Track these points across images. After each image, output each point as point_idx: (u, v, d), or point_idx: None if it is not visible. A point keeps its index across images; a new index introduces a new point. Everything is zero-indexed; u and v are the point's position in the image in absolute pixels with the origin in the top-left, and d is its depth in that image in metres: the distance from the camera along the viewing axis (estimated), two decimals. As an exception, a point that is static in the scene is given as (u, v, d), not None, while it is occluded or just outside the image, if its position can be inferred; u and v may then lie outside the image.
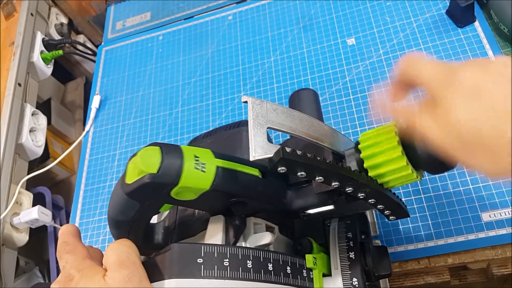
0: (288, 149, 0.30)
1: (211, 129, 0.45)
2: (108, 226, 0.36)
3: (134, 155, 0.31)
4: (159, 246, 0.39)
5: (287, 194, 0.36)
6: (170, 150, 0.31)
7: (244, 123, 0.42)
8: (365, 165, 0.34)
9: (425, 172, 0.36)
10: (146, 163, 0.30)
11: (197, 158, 0.31)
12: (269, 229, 0.37)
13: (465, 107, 0.28)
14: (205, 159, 0.31)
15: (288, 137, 0.42)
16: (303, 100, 0.45)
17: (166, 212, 0.41)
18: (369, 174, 0.34)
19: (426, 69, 0.31)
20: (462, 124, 0.28)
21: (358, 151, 0.35)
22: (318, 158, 0.31)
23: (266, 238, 0.35)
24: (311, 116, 0.37)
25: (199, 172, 0.31)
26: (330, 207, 0.35)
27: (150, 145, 0.31)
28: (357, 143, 0.36)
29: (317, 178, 0.31)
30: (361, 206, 0.38)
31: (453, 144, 0.29)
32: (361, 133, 0.36)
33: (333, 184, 0.32)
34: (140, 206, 0.32)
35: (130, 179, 0.30)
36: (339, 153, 0.37)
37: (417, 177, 0.34)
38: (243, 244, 0.36)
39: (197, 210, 0.38)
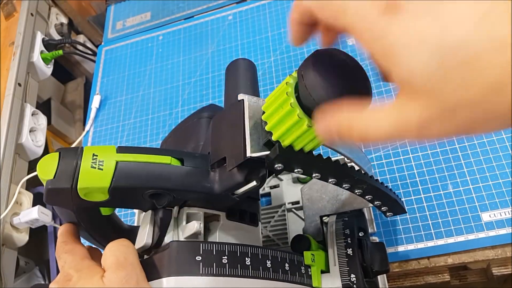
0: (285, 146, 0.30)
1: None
2: None
3: None
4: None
5: (209, 177, 0.34)
6: (67, 154, 0.31)
7: (204, 109, 0.41)
8: (273, 138, 0.30)
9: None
10: (43, 170, 0.30)
11: (95, 157, 0.31)
12: (210, 217, 0.36)
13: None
14: (104, 156, 0.31)
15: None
16: (239, 69, 0.42)
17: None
18: (282, 145, 0.29)
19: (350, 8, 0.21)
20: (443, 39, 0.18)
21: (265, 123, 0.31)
22: (315, 155, 0.31)
23: (190, 227, 0.34)
24: (246, 85, 0.36)
25: (96, 170, 0.31)
26: (253, 183, 0.32)
27: (54, 152, 0.32)
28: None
29: (314, 175, 0.31)
30: (358, 203, 0.38)
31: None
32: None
33: (330, 180, 0.32)
34: (73, 212, 0.33)
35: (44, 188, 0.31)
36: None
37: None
38: (175, 237, 0.34)
39: None
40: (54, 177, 0.30)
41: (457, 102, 0.19)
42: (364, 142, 0.24)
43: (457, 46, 0.18)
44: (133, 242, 0.38)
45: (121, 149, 0.32)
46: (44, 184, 0.31)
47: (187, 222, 0.35)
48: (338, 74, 0.26)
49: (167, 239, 0.35)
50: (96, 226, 0.35)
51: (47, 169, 0.30)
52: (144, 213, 0.37)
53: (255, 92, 0.38)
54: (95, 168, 0.30)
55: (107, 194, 0.31)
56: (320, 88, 0.26)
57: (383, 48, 0.20)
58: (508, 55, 0.17)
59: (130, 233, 0.39)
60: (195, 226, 0.33)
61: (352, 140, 0.24)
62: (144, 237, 0.34)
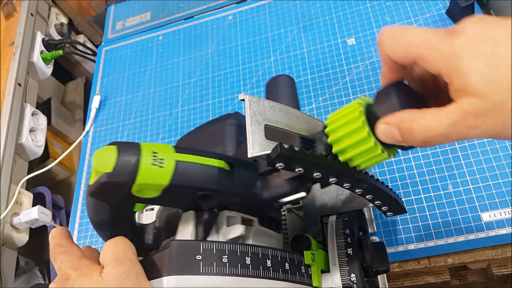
0: (286, 145, 0.30)
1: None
2: None
3: None
4: (150, 246, 0.39)
5: (257, 184, 0.35)
6: (126, 148, 0.31)
7: (228, 116, 0.42)
8: (333, 151, 0.32)
9: (400, 150, 0.33)
10: (101, 163, 0.30)
11: (155, 154, 0.31)
12: (246, 221, 0.37)
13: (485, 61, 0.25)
14: (164, 154, 0.31)
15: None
16: (280, 85, 0.44)
17: (160, 212, 0.41)
18: (333, 150, 0.32)
19: (415, 36, 0.27)
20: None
21: (326, 135, 0.32)
22: (316, 154, 0.31)
23: (235, 230, 0.35)
24: (287, 101, 0.37)
25: (157, 167, 0.30)
26: (302, 194, 0.34)
27: (109, 144, 0.31)
28: (325, 126, 0.33)
29: (315, 174, 0.31)
30: (358, 202, 0.38)
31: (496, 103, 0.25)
32: (329, 115, 0.33)
33: (330, 180, 0.32)
34: (110, 207, 0.32)
35: (91, 181, 0.31)
36: (310, 138, 0.35)
37: (389, 156, 0.31)
38: (215, 238, 0.35)
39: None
40: (112, 170, 0.30)
41: (504, 99, 0.24)
42: (425, 139, 0.27)
43: (504, 56, 0.24)
44: (143, 239, 0.38)
45: (178, 149, 0.32)
46: (96, 177, 0.30)
47: (227, 225, 0.35)
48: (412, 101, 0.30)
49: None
50: (122, 223, 0.35)
51: (105, 162, 0.30)
52: (184, 213, 0.37)
53: (297, 108, 0.39)
54: (156, 165, 0.30)
55: (160, 192, 0.31)
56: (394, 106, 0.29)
57: (448, 64, 0.26)
58: None
59: (142, 231, 0.39)
60: (240, 229, 0.34)
61: (413, 139, 0.27)
62: (189, 236, 0.35)
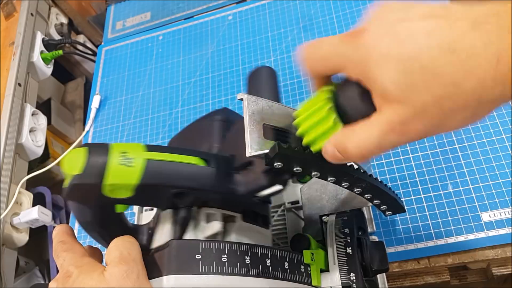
0: (284, 145, 0.30)
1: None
2: None
3: None
4: (144, 247, 0.39)
5: (233, 179, 0.34)
6: (95, 149, 0.31)
7: (217, 112, 0.41)
8: (294, 122, 0.31)
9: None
10: (70, 165, 0.30)
11: (124, 154, 0.31)
12: (228, 218, 0.37)
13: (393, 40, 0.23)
14: (133, 153, 0.31)
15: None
16: (261, 77, 0.43)
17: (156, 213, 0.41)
18: (303, 141, 0.30)
19: (326, 48, 0.26)
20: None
21: (296, 128, 0.31)
22: (315, 153, 0.31)
23: (212, 227, 0.35)
24: (269, 92, 0.36)
25: (125, 167, 0.30)
26: (279, 187, 0.33)
27: (80, 146, 0.31)
28: (294, 119, 0.32)
29: (313, 173, 0.31)
30: (357, 202, 0.38)
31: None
32: (296, 110, 0.32)
33: (329, 179, 0.32)
34: (89, 208, 0.33)
35: (64, 184, 0.31)
36: (284, 130, 0.34)
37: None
38: (193, 236, 0.35)
39: None
40: (81, 172, 0.30)
41: (425, 102, 0.23)
42: (362, 154, 0.26)
43: (414, 57, 0.22)
44: (137, 240, 0.38)
45: (149, 148, 0.32)
46: (69, 180, 0.30)
47: (207, 222, 0.35)
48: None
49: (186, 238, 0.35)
50: (108, 223, 0.35)
51: (73, 164, 0.30)
52: (162, 212, 0.37)
53: (277, 99, 0.39)
54: (124, 165, 0.30)
55: (132, 192, 0.31)
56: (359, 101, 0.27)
57: (360, 71, 0.24)
58: (456, 55, 0.21)
59: (135, 232, 0.39)
60: (217, 226, 0.34)
61: (352, 157, 0.27)
62: (167, 235, 0.34)
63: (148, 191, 0.32)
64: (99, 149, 0.31)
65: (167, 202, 0.34)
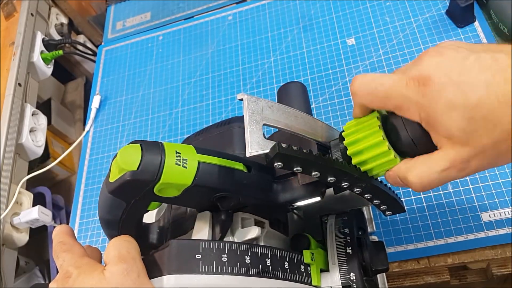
0: (284, 145, 0.30)
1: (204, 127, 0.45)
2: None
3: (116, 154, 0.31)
4: (154, 246, 0.39)
5: (273, 187, 0.36)
6: (150, 147, 0.31)
7: (235, 120, 0.42)
8: (348, 152, 0.33)
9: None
10: (126, 161, 0.30)
11: (178, 154, 0.31)
12: (258, 223, 0.37)
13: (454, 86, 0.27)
14: (187, 155, 0.31)
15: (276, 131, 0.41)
16: (291, 92, 0.44)
17: (162, 212, 0.41)
18: (352, 161, 0.33)
19: (388, 90, 0.30)
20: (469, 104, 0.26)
21: (342, 140, 0.34)
22: (314, 153, 0.31)
23: (253, 232, 0.35)
24: (299, 108, 0.37)
25: (180, 167, 0.31)
26: (317, 198, 0.35)
27: (131, 143, 0.31)
28: (342, 131, 0.35)
29: (313, 173, 0.31)
30: (357, 202, 0.38)
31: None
32: (345, 125, 0.35)
33: (329, 179, 0.32)
34: (126, 205, 0.33)
35: (113, 178, 0.31)
36: (325, 145, 0.36)
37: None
38: (231, 239, 0.36)
39: (189, 208, 0.38)
40: (137, 168, 0.30)
41: (484, 145, 0.27)
42: (422, 185, 0.30)
43: (476, 107, 0.26)
44: (148, 238, 0.39)
45: (199, 150, 0.32)
46: (121, 174, 0.30)
47: (242, 227, 0.36)
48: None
49: None
50: (132, 220, 0.35)
51: (130, 160, 0.30)
52: (200, 213, 0.37)
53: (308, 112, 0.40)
54: (179, 165, 0.31)
55: (181, 191, 0.32)
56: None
57: (426, 115, 0.28)
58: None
59: (146, 230, 0.39)
60: (257, 231, 0.35)
61: (412, 186, 0.31)
62: (204, 237, 0.35)
63: (194, 192, 0.32)
64: (154, 147, 0.31)
65: (207, 203, 0.35)
